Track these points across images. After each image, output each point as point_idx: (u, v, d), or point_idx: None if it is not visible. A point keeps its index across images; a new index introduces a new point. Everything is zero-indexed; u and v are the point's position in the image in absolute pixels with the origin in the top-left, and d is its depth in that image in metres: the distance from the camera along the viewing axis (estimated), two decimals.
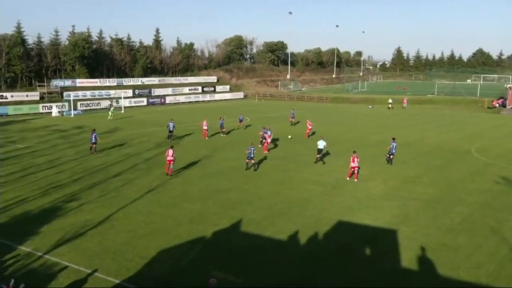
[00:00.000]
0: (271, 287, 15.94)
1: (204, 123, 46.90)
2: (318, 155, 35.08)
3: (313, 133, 46.99)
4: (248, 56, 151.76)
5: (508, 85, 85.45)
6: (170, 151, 30.76)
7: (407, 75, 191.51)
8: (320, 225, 21.33)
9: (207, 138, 46.15)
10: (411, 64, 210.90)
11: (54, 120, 62.93)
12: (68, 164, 34.01)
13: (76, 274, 16.51)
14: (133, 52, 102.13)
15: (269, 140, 40.29)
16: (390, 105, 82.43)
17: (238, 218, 22.22)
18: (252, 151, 32.61)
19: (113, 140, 44.53)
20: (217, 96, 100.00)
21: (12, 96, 71.68)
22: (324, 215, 22.79)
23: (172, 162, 30.67)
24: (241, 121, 54.86)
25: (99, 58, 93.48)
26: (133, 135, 47.89)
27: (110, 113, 64.72)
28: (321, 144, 35.09)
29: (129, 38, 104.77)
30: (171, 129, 45.31)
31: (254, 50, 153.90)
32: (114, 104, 75.84)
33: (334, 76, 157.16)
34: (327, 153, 38.07)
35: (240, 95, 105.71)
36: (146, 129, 53.11)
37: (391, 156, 34.73)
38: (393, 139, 35.67)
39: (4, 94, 71.78)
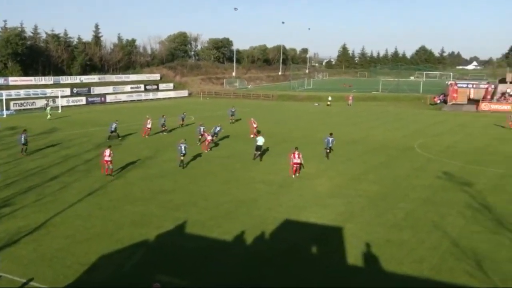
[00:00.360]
0: None
1: (148, 121, 46.61)
2: (257, 152, 35.64)
3: (258, 131, 47.14)
4: (192, 53, 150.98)
5: (449, 82, 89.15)
6: (107, 151, 30.49)
7: (353, 72, 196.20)
8: (267, 225, 21.48)
9: (147, 136, 45.90)
10: (356, 61, 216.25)
11: None
12: (1, 167, 32.63)
13: (10, 284, 15.88)
14: (70, 48, 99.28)
15: (208, 138, 40.03)
16: (328, 102, 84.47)
17: (183, 219, 22.05)
18: (183, 147, 32.80)
19: (50, 141, 43.16)
20: (160, 95, 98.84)
21: None
22: (271, 214, 22.98)
23: (109, 162, 30.36)
24: (183, 119, 54.90)
25: (34, 55, 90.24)
26: (71, 136, 46.56)
27: (47, 112, 63.45)
28: (260, 140, 35.78)
29: (66, 34, 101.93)
30: (113, 129, 44.50)
31: (199, 47, 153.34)
32: (51, 103, 73.48)
33: (280, 73, 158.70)
34: (273, 152, 38.40)
35: (184, 93, 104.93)
36: (85, 129, 51.75)
37: (328, 150, 36.42)
38: (330, 134, 37.49)
39: None
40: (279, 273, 16.99)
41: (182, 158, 32.99)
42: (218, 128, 42.80)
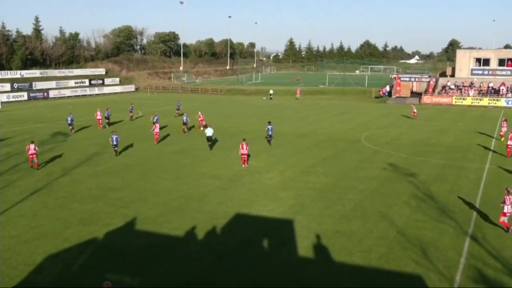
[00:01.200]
0: (169, 287, 15.81)
1: (98, 113, 49.62)
2: (209, 143, 37.75)
3: (205, 126, 47.05)
4: (138, 47, 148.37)
5: (393, 76, 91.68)
6: (32, 146, 31.04)
7: (300, 66, 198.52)
8: (218, 219, 21.49)
9: (105, 127, 48.88)
10: (303, 55, 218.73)
11: None
12: None
13: None
14: (9, 42, 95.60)
15: (156, 130, 40.57)
16: (270, 96, 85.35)
17: (132, 216, 21.74)
18: (114, 138, 34.82)
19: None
20: (106, 90, 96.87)
21: None
22: (222, 209, 23.00)
23: (34, 156, 30.97)
24: (131, 111, 56.28)
25: None
26: (12, 133, 44.91)
27: None
28: (209, 131, 37.70)
29: (3, 27, 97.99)
30: (70, 122, 45.92)
31: (145, 41, 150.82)
32: None
33: (228, 67, 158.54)
34: (223, 146, 38.43)
35: (131, 88, 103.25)
36: (27, 126, 50.06)
37: (269, 138, 39.34)
38: (269, 122, 39.90)
39: None
40: (233, 268, 17.05)
41: (115, 148, 35.13)
42: (157, 117, 46.71)
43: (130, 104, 59.30)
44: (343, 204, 23.98)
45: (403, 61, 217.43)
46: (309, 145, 39.92)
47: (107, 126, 49.77)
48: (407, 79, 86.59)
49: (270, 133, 39.03)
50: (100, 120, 49.52)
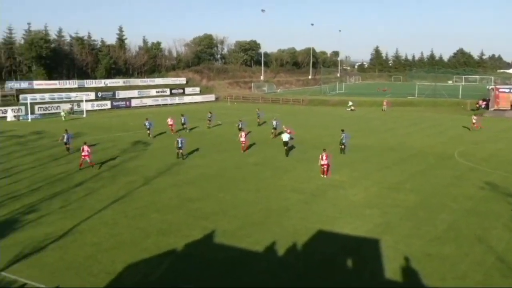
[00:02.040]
0: None
1: (170, 120, 53.49)
2: (285, 147, 39.67)
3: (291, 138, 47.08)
4: (219, 56, 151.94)
5: (490, 86, 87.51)
6: (85, 147, 34.69)
7: (386, 76, 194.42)
8: (299, 235, 21.37)
9: (173, 133, 51.16)
10: (390, 64, 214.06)
11: (9, 125, 61.78)
12: (26, 172, 33.38)
13: None
14: (94, 51, 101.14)
15: (242, 138, 41.75)
16: (350, 108, 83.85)
17: (211, 229, 22.11)
18: (179, 141, 37.85)
19: (74, 146, 43.85)
20: (186, 99, 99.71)
21: None
22: (303, 224, 22.85)
23: (87, 157, 34.63)
24: (209, 119, 58.68)
25: (58, 58, 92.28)
26: (96, 141, 47.27)
27: (62, 114, 67.66)
28: (286, 137, 39.93)
29: (90, 37, 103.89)
30: (148, 126, 49.45)
31: (226, 50, 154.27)
32: (75, 107, 75.08)
33: (310, 77, 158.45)
34: (305, 159, 38.32)
35: (211, 97, 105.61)
36: (110, 134, 52.53)
37: (343, 147, 40.40)
38: (342, 130, 41.55)
39: None
40: (313, 286, 16.84)
41: (178, 151, 38.10)
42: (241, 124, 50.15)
43: (208, 112, 60.94)
44: (435, 224, 23.06)
45: (501, 70, 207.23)
46: (396, 159, 38.89)
47: (188, 131, 53.73)
48: (507, 90, 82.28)
49: (344, 141, 40.38)
50: (173, 126, 53.04)
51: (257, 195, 28.03)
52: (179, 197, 27.51)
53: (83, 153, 34.75)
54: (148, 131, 49.89)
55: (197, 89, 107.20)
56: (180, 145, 38.17)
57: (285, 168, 35.20)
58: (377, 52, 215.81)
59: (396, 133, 54.04)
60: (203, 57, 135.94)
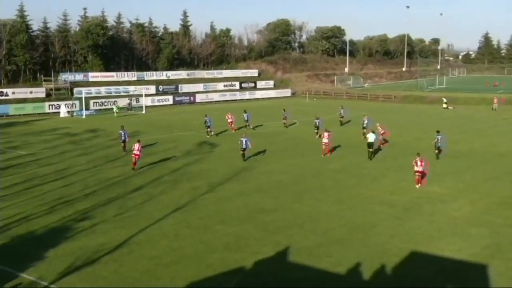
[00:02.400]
0: None
1: (229, 116, 55.53)
2: (370, 149, 40.37)
3: (385, 141, 46.35)
4: (296, 44, 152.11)
5: None
6: (136, 145, 36.34)
7: (498, 68, 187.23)
8: (389, 256, 20.99)
9: (233, 131, 54.09)
10: (502, 54, 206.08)
11: (62, 121, 64.72)
12: (79, 175, 34.79)
13: None
14: (156, 39, 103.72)
15: (325, 139, 41.83)
16: (445, 105, 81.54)
17: (285, 245, 22.12)
18: (244, 142, 39.11)
19: (132, 147, 45.32)
20: (258, 94, 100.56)
21: (13, 93, 74.10)
22: (394, 243, 22.43)
23: (137, 156, 36.18)
24: (285, 118, 59.47)
25: (116, 48, 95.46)
26: (156, 141, 48.58)
27: (115, 110, 70.74)
28: (372, 137, 40.40)
29: (151, 23, 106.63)
30: (208, 124, 51.19)
31: (304, 37, 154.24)
32: (134, 102, 77.46)
33: (404, 69, 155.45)
34: (397, 166, 37.67)
35: (286, 92, 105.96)
36: (172, 133, 53.86)
37: (438, 151, 40.27)
38: (437, 132, 41.31)
39: (5, 90, 74.24)
40: None
41: (242, 152, 39.37)
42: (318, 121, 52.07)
43: (282, 110, 61.15)
44: None
45: None
46: (508, 168, 37.42)
47: (250, 129, 55.46)
48: None
49: (439, 144, 40.21)
50: (232, 124, 55.26)
51: (339, 207, 27.79)
52: (248, 207, 27.71)
53: (134, 152, 36.36)
54: (207, 129, 51.52)
55: (271, 83, 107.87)
56: (244, 146, 39.25)
57: (373, 176, 34.72)
58: (486, 39, 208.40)
59: (509, 137, 52.04)
60: (278, 46, 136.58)
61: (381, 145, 45.48)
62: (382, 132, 46.27)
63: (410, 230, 24.18)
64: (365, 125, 50.93)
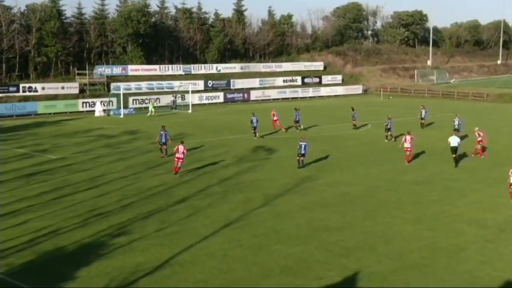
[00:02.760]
0: None
1: (274, 113, 57.76)
2: (454, 155, 40.82)
3: (483, 148, 45.03)
4: (369, 32, 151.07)
5: None
6: (181, 147, 37.08)
7: None
8: (479, 286, 20.58)
9: (283, 129, 56.83)
10: None
11: (97, 121, 66.11)
12: (116, 183, 35.43)
13: None
14: (205, 27, 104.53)
15: (407, 145, 41.66)
16: None
17: (353, 269, 21.96)
18: (303, 146, 39.47)
19: (174, 149, 45.87)
20: (323, 91, 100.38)
21: (43, 89, 76.17)
22: (486, 271, 21.99)
23: (181, 160, 37.11)
24: (354, 118, 60.63)
25: (159, 37, 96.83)
26: (204, 145, 49.00)
27: (150, 108, 71.47)
28: (455, 141, 41.02)
29: (200, 8, 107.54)
30: (255, 124, 52.33)
31: (379, 24, 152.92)
32: (179, 100, 78.30)
33: (499, 62, 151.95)
34: (491, 178, 36.90)
35: (357, 89, 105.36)
36: (222, 136, 54.28)
37: None
38: None
39: (34, 85, 76.28)
40: None
41: (299, 158, 39.94)
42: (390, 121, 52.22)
43: (350, 108, 61.03)
44: None
45: None
46: None
47: (299, 129, 57.44)
48: None
49: None
50: (277, 122, 57.25)
51: (418, 226, 27.40)
52: (311, 224, 27.59)
53: (177, 155, 37.15)
54: (253, 130, 52.67)
55: (338, 78, 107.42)
56: (303, 151, 39.62)
57: (460, 190, 34.13)
58: None
59: None
60: (347, 34, 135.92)
61: (476, 155, 44.40)
62: (479, 139, 45.00)
63: (505, 256, 23.66)
64: (456, 126, 51.56)
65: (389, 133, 51.93)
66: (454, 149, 40.73)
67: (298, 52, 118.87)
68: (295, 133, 54.19)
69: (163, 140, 43.05)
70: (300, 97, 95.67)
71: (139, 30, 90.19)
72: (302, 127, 57.72)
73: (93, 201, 31.08)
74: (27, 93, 74.57)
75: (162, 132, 43.30)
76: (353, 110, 60.28)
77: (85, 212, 29.01)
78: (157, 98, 79.36)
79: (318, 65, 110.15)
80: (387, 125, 52.00)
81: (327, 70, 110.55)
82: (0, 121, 65.15)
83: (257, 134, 52.64)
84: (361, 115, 62.55)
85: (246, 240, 25.36)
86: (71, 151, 46.45)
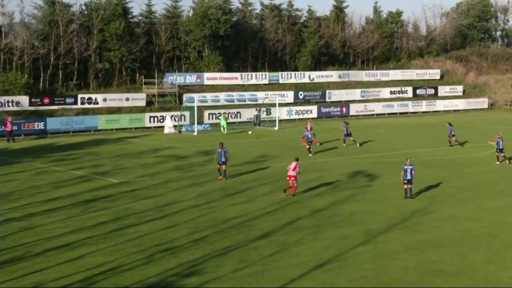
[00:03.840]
0: None
1: (309, 126, 59.72)
2: None
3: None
4: (498, 33, 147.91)
5: None
6: (293, 164, 39.70)
7: None
8: None
9: (317, 144, 59.28)
10: None
11: (167, 139, 67.19)
12: (187, 213, 35.87)
13: None
14: (297, 27, 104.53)
15: None
16: None
17: None
18: (409, 171, 39.05)
19: (259, 176, 46.17)
20: (439, 105, 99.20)
21: (104, 100, 77.95)
22: None
23: (294, 179, 39.51)
24: (453, 135, 61.32)
25: (241, 39, 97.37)
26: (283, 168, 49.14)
27: (223, 125, 71.61)
28: None
29: (291, 5, 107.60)
30: (310, 139, 56.36)
31: (511, 24, 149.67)
32: (263, 114, 78.54)
33: None
34: None
35: (482, 103, 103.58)
36: (314, 158, 54.12)
37: None
38: None
39: (94, 96, 78.02)
40: None
41: (406, 186, 39.62)
42: None
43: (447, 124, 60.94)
44: None
45: None
46: None
47: (357, 144, 60.41)
48: None
49: None
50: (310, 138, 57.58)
51: None
52: (421, 268, 27.16)
53: (289, 173, 39.82)
54: (307, 145, 55.36)
55: (459, 89, 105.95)
56: (409, 177, 39.41)
57: None
58: None
59: None
60: (471, 36, 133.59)
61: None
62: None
63: None
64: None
65: (502, 154, 52.40)
66: None
67: (409, 57, 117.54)
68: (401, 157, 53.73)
69: (222, 160, 44.31)
70: (411, 112, 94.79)
71: (218, 31, 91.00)
72: (357, 144, 60.88)
73: (160, 234, 31.41)
74: (86, 105, 76.40)
75: (220, 149, 44.40)
76: (450, 125, 60.13)
77: (151, 246, 29.32)
78: (237, 112, 79.96)
79: (434, 74, 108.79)
80: (498, 144, 52.61)
81: (444, 79, 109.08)
82: (55, 138, 67.17)
83: (310, 150, 55.55)
84: (485, 135, 61.33)
85: (342, 284, 25.19)
86: (135, 174, 47.43)
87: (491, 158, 55.19)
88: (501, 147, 52.59)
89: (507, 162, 52.04)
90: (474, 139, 62.89)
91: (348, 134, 60.88)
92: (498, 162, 52.39)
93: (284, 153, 56.45)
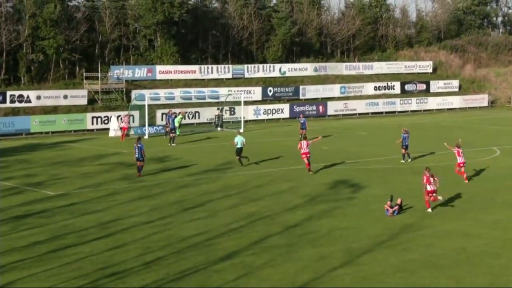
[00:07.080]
0: None
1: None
2: None
3: None
4: (500, 20, 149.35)
5: None
6: (304, 143, 48.03)
7: None
8: None
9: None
10: None
11: (113, 144, 66.88)
12: (137, 230, 35.71)
13: None
14: (265, 12, 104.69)
15: None
16: None
17: None
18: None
19: (222, 187, 46.14)
20: (431, 103, 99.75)
21: (38, 98, 77.28)
22: None
23: (308, 155, 48.00)
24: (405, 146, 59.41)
25: (200, 26, 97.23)
26: (261, 177, 49.13)
27: (177, 119, 69.22)
28: None
29: None
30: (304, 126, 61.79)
31: None
32: (225, 114, 78.42)
33: None
34: None
35: (481, 100, 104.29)
36: (287, 166, 54.27)
37: None
38: None
39: (25, 93, 77.29)
40: None
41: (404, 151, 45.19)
42: None
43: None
44: None
45: None
46: None
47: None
48: None
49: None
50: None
51: None
52: None
53: (302, 151, 49.18)
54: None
55: (454, 84, 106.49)
56: (407, 143, 44.12)
57: None
58: None
59: None
60: (468, 22, 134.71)
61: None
62: None
63: None
64: None
65: (407, 151, 56.02)
66: None
67: (396, 47, 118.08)
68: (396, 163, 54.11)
69: (136, 155, 46.97)
70: (399, 111, 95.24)
71: (172, 17, 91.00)
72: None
73: (105, 256, 31.17)
74: (17, 104, 75.64)
75: (135, 145, 46.83)
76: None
77: (94, 270, 29.08)
78: (196, 112, 79.79)
79: (425, 66, 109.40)
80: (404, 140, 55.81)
81: (437, 73, 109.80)
82: None
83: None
84: (486, 138, 61.87)
85: None
86: (75, 185, 47.15)
87: (491, 164, 55.69)
88: (406, 143, 55.72)
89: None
90: (472, 143, 63.19)
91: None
92: (403, 161, 55.70)
93: (251, 159, 56.36)
